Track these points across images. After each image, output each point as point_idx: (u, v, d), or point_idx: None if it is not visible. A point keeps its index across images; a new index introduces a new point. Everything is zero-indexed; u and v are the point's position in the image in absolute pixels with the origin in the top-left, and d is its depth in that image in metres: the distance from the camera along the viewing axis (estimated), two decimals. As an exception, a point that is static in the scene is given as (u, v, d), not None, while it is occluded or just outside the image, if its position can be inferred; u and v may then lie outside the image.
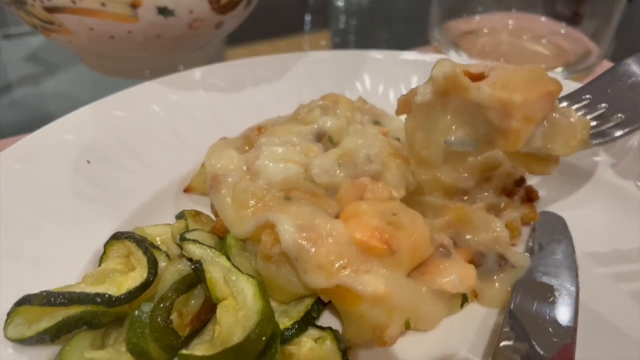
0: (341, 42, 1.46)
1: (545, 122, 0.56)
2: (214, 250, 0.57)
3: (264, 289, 0.55)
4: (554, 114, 0.57)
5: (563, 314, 0.58)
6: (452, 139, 0.57)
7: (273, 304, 0.59)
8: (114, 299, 0.53)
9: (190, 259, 0.58)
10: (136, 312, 0.54)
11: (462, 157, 0.61)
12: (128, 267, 0.59)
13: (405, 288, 0.56)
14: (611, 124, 0.67)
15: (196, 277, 0.57)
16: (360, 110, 0.81)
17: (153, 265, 0.57)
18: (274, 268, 0.58)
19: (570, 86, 0.72)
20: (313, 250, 0.56)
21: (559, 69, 1.08)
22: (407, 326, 0.56)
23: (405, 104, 0.60)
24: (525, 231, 0.73)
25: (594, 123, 0.66)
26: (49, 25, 0.93)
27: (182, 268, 0.58)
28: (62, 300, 0.52)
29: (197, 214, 0.68)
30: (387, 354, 0.58)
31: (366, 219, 0.58)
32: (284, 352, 0.55)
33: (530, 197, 0.75)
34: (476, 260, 0.65)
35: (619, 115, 0.67)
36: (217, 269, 0.55)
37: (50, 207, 0.67)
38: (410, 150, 0.61)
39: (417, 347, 0.59)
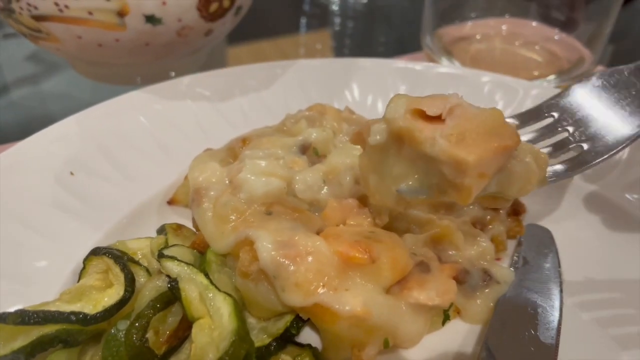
0: (337, 46, 1.46)
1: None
2: (191, 267, 0.57)
3: (240, 309, 0.54)
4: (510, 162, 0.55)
5: (545, 331, 0.58)
6: (405, 188, 0.55)
7: (252, 320, 0.59)
8: (89, 317, 0.53)
9: (168, 276, 0.57)
10: (112, 330, 0.53)
11: (416, 202, 0.59)
12: (106, 284, 0.59)
13: (384, 306, 0.56)
14: (571, 154, 0.68)
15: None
16: (347, 121, 0.81)
17: (130, 282, 0.57)
18: (253, 285, 0.57)
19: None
20: (292, 268, 0.55)
21: (552, 77, 1.07)
22: (386, 345, 0.56)
23: (358, 137, 0.59)
24: (511, 244, 0.72)
25: (552, 151, 0.69)
26: (36, 33, 0.93)
27: (161, 285, 0.58)
28: (37, 319, 0.52)
29: (178, 227, 0.68)
30: (367, 372, 0.57)
31: (346, 236, 0.58)
32: (262, 369, 0.55)
33: (517, 210, 0.75)
34: (460, 277, 0.64)
35: (582, 145, 0.69)
36: (193, 287, 0.55)
37: (31, 220, 0.67)
38: (365, 188, 0.60)
39: (397, 365, 0.58)
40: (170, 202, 0.76)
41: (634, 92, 0.69)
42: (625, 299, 0.65)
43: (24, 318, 0.52)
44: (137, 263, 0.61)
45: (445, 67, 1.01)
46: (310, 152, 0.73)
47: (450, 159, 0.49)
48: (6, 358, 0.52)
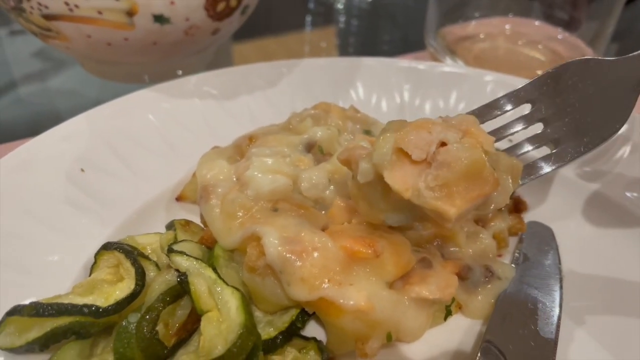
0: (341, 44, 1.47)
1: None
2: (200, 262, 0.59)
3: (248, 302, 0.56)
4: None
5: (544, 326, 0.59)
6: (391, 218, 0.58)
7: (259, 314, 0.61)
8: (101, 310, 0.55)
9: (177, 270, 0.59)
10: (123, 322, 0.55)
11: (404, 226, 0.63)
12: (117, 278, 0.60)
13: (387, 301, 0.57)
14: (544, 152, 0.70)
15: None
16: (351, 119, 0.82)
17: (140, 276, 0.58)
18: (259, 280, 0.59)
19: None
20: (297, 263, 0.57)
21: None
22: (389, 339, 0.58)
23: (345, 163, 0.61)
24: (513, 241, 0.74)
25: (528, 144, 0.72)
26: (46, 32, 0.94)
27: (170, 279, 0.59)
28: (51, 312, 0.54)
29: (187, 223, 0.69)
30: (370, 365, 0.59)
31: (350, 233, 0.60)
32: (268, 361, 0.56)
33: (519, 207, 0.76)
34: (463, 273, 0.65)
35: (555, 138, 0.71)
36: (202, 281, 0.56)
37: (44, 216, 0.68)
38: (357, 207, 0.62)
39: (399, 358, 0.60)
40: (179, 199, 0.77)
41: (615, 84, 0.69)
42: (625, 295, 0.66)
43: (38, 310, 0.54)
44: (147, 258, 0.63)
45: (449, 66, 1.02)
46: (316, 150, 0.74)
47: (435, 210, 0.52)
48: (21, 349, 0.54)
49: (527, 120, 0.73)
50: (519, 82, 0.93)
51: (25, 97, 1.18)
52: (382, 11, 1.66)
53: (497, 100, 0.73)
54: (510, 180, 0.59)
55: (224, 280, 0.57)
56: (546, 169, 0.70)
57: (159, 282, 0.59)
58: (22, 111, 1.13)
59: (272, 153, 0.71)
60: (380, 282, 0.58)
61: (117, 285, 0.58)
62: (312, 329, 0.62)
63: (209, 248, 0.65)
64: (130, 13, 0.89)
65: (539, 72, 1.08)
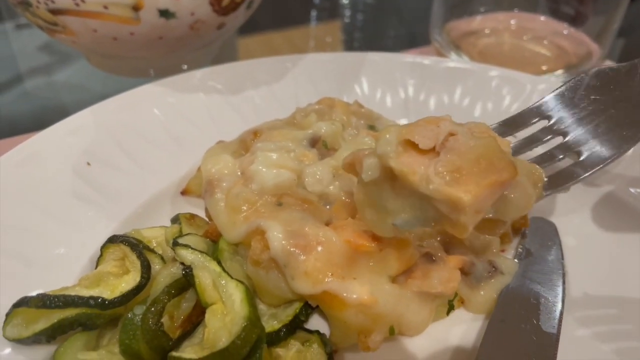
0: (346, 39, 1.47)
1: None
2: (205, 255, 0.59)
3: (252, 295, 0.57)
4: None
5: (546, 321, 0.59)
6: (401, 221, 0.53)
7: (263, 307, 0.61)
8: (107, 302, 0.56)
9: (182, 263, 0.59)
10: (129, 314, 0.56)
11: (413, 231, 0.60)
12: (123, 270, 0.61)
13: (390, 295, 0.58)
14: (566, 162, 0.70)
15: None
16: (355, 115, 0.82)
17: (146, 269, 0.59)
18: (263, 273, 0.60)
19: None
20: (301, 257, 0.57)
21: (560, 71, 1.08)
22: (392, 332, 0.58)
23: (350, 167, 0.57)
24: (516, 237, 0.74)
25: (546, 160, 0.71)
26: (53, 26, 0.95)
27: (175, 271, 0.60)
28: (58, 303, 0.54)
29: (192, 217, 0.70)
30: (372, 358, 0.59)
31: (354, 227, 0.60)
32: (271, 354, 0.57)
33: (522, 203, 0.76)
34: (466, 268, 0.66)
35: (578, 152, 0.70)
36: (206, 274, 0.57)
37: (51, 209, 0.69)
38: (363, 220, 0.58)
39: (402, 352, 0.60)
40: (184, 193, 0.78)
41: (630, 94, 0.69)
42: (628, 291, 0.66)
43: (45, 302, 0.55)
44: (152, 251, 0.64)
45: (454, 61, 1.02)
46: (320, 145, 0.75)
47: (446, 198, 0.47)
48: (28, 340, 0.55)
49: (547, 133, 0.73)
50: (524, 78, 0.93)
51: (31, 91, 1.19)
52: (387, 6, 1.66)
53: (517, 116, 0.74)
54: (532, 187, 0.56)
55: (228, 274, 0.58)
56: (570, 180, 0.69)
57: (164, 275, 0.60)
58: (28, 105, 1.14)
59: (277, 148, 0.71)
60: (383, 276, 0.59)
61: (123, 277, 0.59)
62: (316, 322, 0.63)
63: (213, 241, 0.66)
64: (136, 8, 0.89)
65: (544, 68, 1.08)
